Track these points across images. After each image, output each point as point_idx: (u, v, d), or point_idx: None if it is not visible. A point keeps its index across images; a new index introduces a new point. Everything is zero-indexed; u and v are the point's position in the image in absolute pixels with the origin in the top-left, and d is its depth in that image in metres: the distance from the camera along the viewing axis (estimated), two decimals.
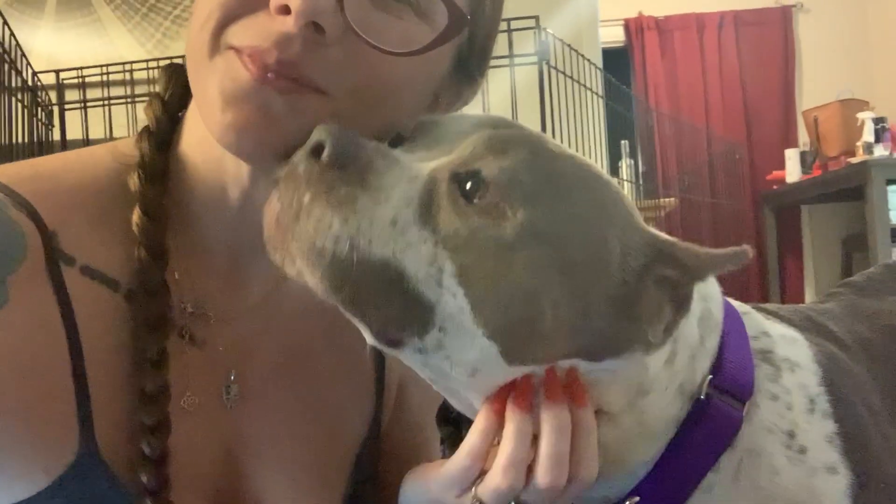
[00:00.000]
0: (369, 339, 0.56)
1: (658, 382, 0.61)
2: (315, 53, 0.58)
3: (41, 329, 0.61)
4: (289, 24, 0.57)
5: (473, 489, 0.58)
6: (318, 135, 0.56)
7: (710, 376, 0.62)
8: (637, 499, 0.62)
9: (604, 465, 0.61)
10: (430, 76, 0.67)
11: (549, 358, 0.56)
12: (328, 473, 0.77)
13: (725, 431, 0.62)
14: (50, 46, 2.96)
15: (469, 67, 0.72)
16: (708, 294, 0.65)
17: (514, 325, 0.54)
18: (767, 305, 0.73)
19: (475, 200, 0.54)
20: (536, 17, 1.94)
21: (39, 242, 0.62)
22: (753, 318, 0.69)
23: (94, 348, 0.63)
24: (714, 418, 0.62)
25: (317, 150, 0.56)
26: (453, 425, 0.69)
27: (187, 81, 0.71)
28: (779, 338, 0.67)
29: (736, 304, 0.69)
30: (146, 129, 0.70)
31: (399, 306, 0.54)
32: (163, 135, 0.70)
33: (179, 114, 0.72)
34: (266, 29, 0.58)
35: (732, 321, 0.66)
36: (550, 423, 0.56)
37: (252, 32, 0.59)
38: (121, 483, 0.63)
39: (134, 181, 0.67)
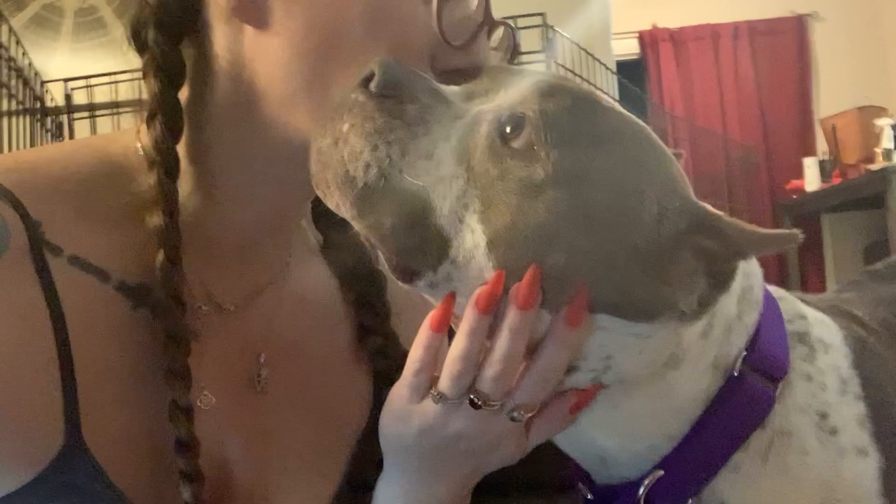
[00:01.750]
0: (387, 268, 0.57)
1: (690, 354, 0.59)
2: None
3: (25, 320, 0.60)
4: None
5: (433, 390, 0.58)
6: (372, 66, 0.57)
7: (745, 353, 0.61)
8: (661, 473, 0.61)
9: (627, 438, 0.60)
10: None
11: (563, 304, 0.54)
12: (327, 460, 0.77)
13: (758, 410, 0.60)
14: (65, 67, 2.99)
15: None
16: (750, 271, 0.64)
17: (523, 264, 0.53)
18: (793, 293, 0.72)
19: (512, 142, 0.54)
20: (543, 15, 1.92)
21: (23, 232, 0.61)
22: (790, 302, 0.68)
23: (82, 339, 0.62)
24: (747, 396, 0.60)
25: (367, 82, 0.57)
26: None
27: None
28: (813, 320, 0.66)
29: (772, 288, 0.68)
30: (158, 122, 0.67)
31: (419, 238, 0.55)
32: (175, 128, 0.68)
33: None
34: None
35: (769, 302, 0.65)
36: (507, 322, 0.54)
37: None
38: (106, 475, 0.62)
39: (149, 180, 0.66)
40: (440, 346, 0.58)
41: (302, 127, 0.65)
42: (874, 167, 4.24)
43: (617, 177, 0.54)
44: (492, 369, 0.55)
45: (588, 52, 2.14)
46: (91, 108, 2.13)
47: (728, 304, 0.60)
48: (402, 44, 0.65)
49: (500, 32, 0.72)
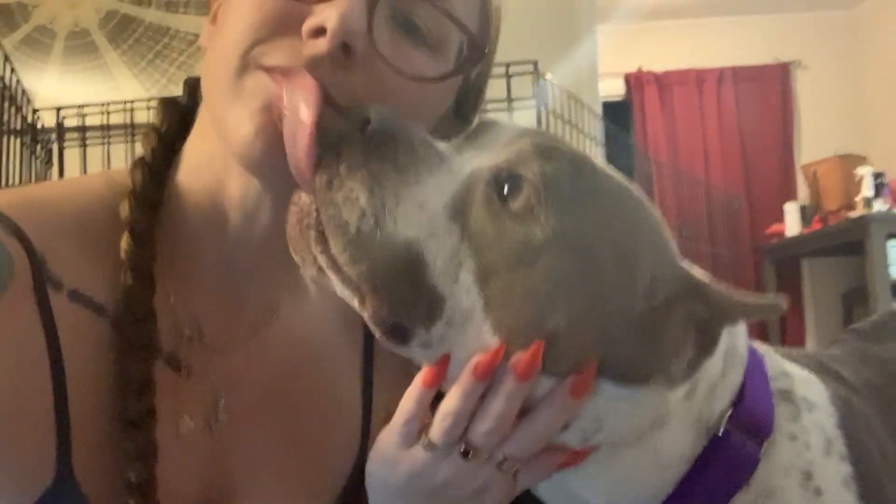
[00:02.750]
0: (377, 331, 0.56)
1: (675, 415, 0.59)
2: (341, 76, 0.61)
3: (24, 353, 0.60)
4: (321, 45, 0.59)
5: (423, 435, 0.58)
6: (366, 111, 0.57)
7: (730, 412, 0.61)
8: None
9: (611, 494, 0.60)
10: (435, 111, 0.69)
11: (560, 368, 0.54)
12: (313, 503, 0.76)
13: (742, 470, 0.60)
14: (56, 90, 2.99)
15: (465, 108, 0.74)
16: (734, 329, 0.64)
17: (521, 329, 0.53)
18: (777, 349, 0.72)
19: (510, 202, 0.54)
20: (535, 63, 1.96)
21: (27, 266, 0.62)
22: (774, 359, 0.68)
23: (76, 374, 0.62)
24: (731, 455, 0.60)
25: (363, 127, 0.57)
26: None
27: (183, 115, 0.72)
28: (797, 378, 0.66)
29: (755, 344, 0.68)
30: (141, 158, 0.71)
31: (412, 293, 0.54)
32: (158, 165, 0.71)
33: (176, 146, 0.73)
34: (297, 51, 0.61)
35: (753, 359, 0.65)
36: (504, 387, 0.54)
37: (282, 53, 0.61)
38: None
39: (124, 208, 0.68)
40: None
41: (226, 129, 0.64)
42: (854, 214, 4.29)
43: (614, 244, 0.55)
44: (485, 425, 0.56)
45: (576, 98, 2.17)
46: (83, 136, 2.13)
47: (713, 363, 0.60)
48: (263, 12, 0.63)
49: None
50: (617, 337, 0.54)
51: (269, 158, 0.61)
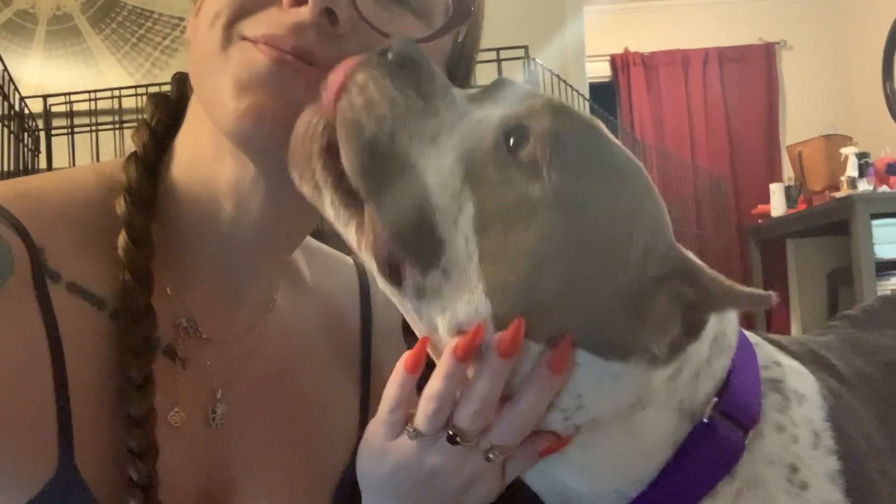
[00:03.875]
0: (374, 261, 0.56)
1: (657, 397, 0.59)
2: (328, 44, 0.61)
3: (25, 346, 0.60)
4: (303, 13, 0.59)
5: (409, 426, 0.58)
6: (390, 41, 0.57)
7: (716, 399, 0.61)
8: None
9: (594, 480, 0.60)
10: None
11: (545, 335, 0.54)
12: (311, 495, 0.77)
13: (726, 458, 0.60)
14: (38, 75, 2.96)
15: (457, 78, 0.73)
16: (725, 316, 0.64)
17: (513, 287, 0.53)
18: (770, 336, 0.72)
19: (516, 152, 0.54)
20: (526, 48, 1.96)
21: (27, 258, 0.62)
22: (765, 349, 0.67)
23: (77, 366, 0.62)
24: (716, 443, 0.60)
25: (384, 53, 0.57)
26: None
27: (174, 109, 0.72)
28: (788, 369, 0.66)
29: (748, 334, 0.68)
30: (134, 154, 0.71)
31: (414, 222, 0.54)
32: (150, 160, 0.71)
33: (167, 141, 0.73)
34: (280, 20, 0.61)
35: (744, 348, 0.64)
36: (488, 365, 0.54)
37: (265, 24, 0.61)
38: (97, 502, 0.62)
39: (120, 205, 0.68)
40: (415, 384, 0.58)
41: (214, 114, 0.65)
42: (839, 194, 4.31)
43: (612, 211, 0.55)
44: (470, 406, 0.55)
45: (563, 80, 2.17)
46: (70, 124, 2.11)
47: (699, 348, 0.60)
48: None
49: None
50: (603, 305, 0.54)
51: (260, 133, 0.61)
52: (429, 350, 0.58)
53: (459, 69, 0.73)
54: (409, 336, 0.81)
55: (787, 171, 5.35)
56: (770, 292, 0.53)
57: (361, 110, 0.55)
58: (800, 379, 0.66)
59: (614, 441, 0.59)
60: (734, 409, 0.61)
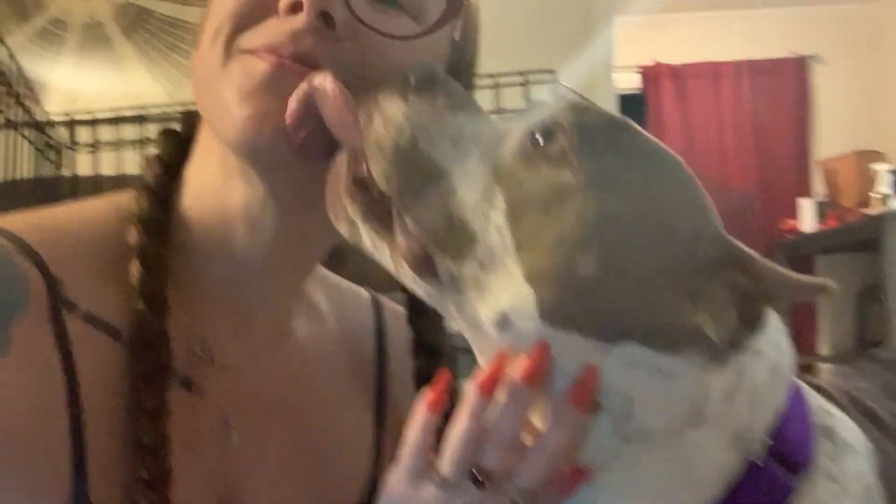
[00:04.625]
0: (411, 261, 0.56)
1: (712, 415, 0.55)
2: (327, 47, 0.62)
3: (40, 378, 0.60)
4: (300, 19, 0.61)
5: (433, 473, 0.56)
6: (408, 70, 0.59)
7: (771, 442, 0.58)
8: None
9: None
10: None
11: (596, 325, 0.52)
12: None
13: (776, 502, 0.57)
14: (69, 83, 2.99)
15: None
16: (784, 351, 0.61)
17: (553, 270, 0.51)
18: (812, 380, 0.69)
19: (544, 148, 0.54)
20: (553, 72, 1.95)
21: (44, 289, 0.62)
22: (813, 394, 0.65)
23: (92, 398, 0.63)
24: (768, 485, 0.57)
25: (403, 80, 0.59)
26: None
27: (184, 142, 0.73)
28: (839, 418, 0.64)
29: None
30: (145, 185, 0.72)
31: (445, 221, 0.55)
32: (162, 191, 0.71)
33: (179, 173, 0.73)
34: (277, 29, 0.62)
35: (797, 390, 0.62)
36: (512, 401, 0.52)
37: (264, 34, 0.62)
38: None
39: (133, 234, 0.68)
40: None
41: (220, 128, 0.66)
42: (870, 211, 4.26)
43: (651, 192, 0.54)
44: (498, 447, 0.54)
45: (592, 103, 2.15)
46: (94, 145, 2.14)
47: (757, 368, 0.57)
48: None
49: None
50: (653, 289, 0.52)
51: (264, 142, 0.61)
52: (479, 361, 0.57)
53: (460, 76, 0.72)
54: (418, 356, 0.80)
55: (818, 187, 5.29)
56: (829, 281, 0.52)
57: (386, 130, 0.57)
58: (850, 430, 0.63)
59: (663, 463, 0.56)
60: (788, 451, 0.58)
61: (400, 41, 0.65)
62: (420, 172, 0.56)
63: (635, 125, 0.58)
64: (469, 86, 0.76)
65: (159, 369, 0.65)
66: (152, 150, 0.75)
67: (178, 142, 0.74)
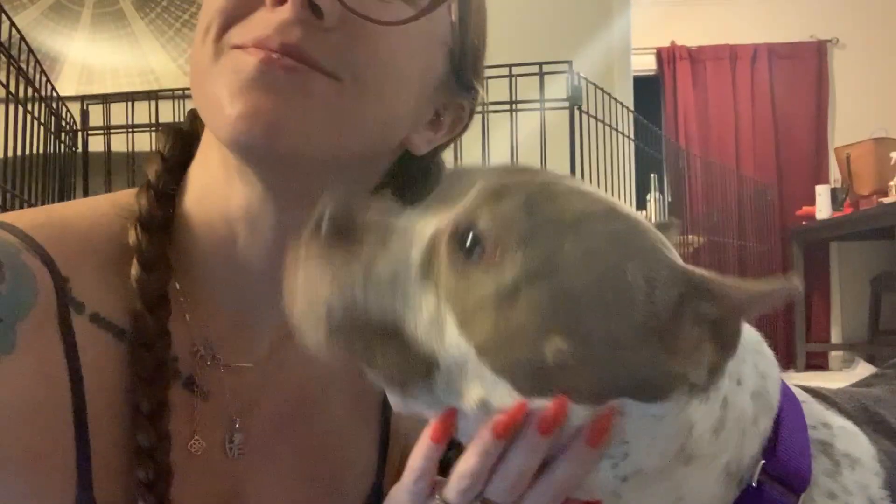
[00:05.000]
0: (383, 387, 0.56)
1: (702, 451, 0.56)
2: (316, 37, 0.60)
3: (46, 377, 0.60)
4: (286, 10, 0.59)
5: (437, 494, 0.56)
6: (321, 207, 0.57)
7: (763, 461, 0.58)
8: None
9: None
10: (427, 69, 0.68)
11: (580, 396, 0.52)
12: None
13: None
14: (83, 57, 2.98)
15: (464, 76, 0.72)
16: (766, 373, 0.61)
17: (520, 363, 0.52)
18: (821, 389, 0.69)
19: (474, 255, 0.53)
20: (570, 63, 1.92)
21: (52, 288, 0.62)
22: (813, 407, 0.64)
23: (96, 398, 0.62)
24: None
25: (319, 225, 0.57)
26: None
27: (188, 140, 0.72)
28: (839, 430, 0.63)
29: (795, 389, 0.65)
30: (146, 183, 0.70)
31: (404, 358, 0.54)
32: (164, 189, 0.70)
33: (181, 172, 0.72)
34: (265, 21, 0.60)
35: (791, 406, 0.61)
36: (526, 443, 0.52)
37: (252, 28, 0.61)
38: None
39: (132, 234, 0.67)
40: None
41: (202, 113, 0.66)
42: (887, 200, 4.22)
43: (592, 257, 0.53)
44: (505, 482, 0.54)
45: (607, 93, 2.12)
46: (107, 127, 2.13)
47: (742, 399, 0.58)
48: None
49: None
50: (627, 351, 0.52)
51: (257, 137, 0.60)
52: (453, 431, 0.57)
53: (466, 65, 0.72)
54: None
55: (834, 173, 5.25)
56: (793, 279, 0.50)
57: (312, 303, 0.56)
58: (853, 441, 0.62)
59: (656, 500, 0.57)
60: (784, 472, 0.58)
61: (394, 28, 0.62)
62: (368, 331, 0.55)
63: (553, 185, 0.57)
64: (477, 74, 0.74)
65: (158, 368, 0.65)
66: (157, 146, 0.74)
67: (181, 139, 0.73)
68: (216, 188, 0.68)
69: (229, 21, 0.62)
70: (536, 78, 1.86)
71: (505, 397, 0.53)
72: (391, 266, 0.55)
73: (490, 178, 0.58)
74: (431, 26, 0.66)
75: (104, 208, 0.70)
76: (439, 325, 0.53)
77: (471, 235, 0.54)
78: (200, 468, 0.69)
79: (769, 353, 0.63)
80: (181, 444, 0.67)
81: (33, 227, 0.64)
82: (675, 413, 0.54)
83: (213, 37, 0.62)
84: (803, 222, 5.11)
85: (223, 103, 0.60)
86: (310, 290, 0.56)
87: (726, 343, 0.53)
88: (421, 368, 0.54)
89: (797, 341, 5.11)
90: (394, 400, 0.57)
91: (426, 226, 0.58)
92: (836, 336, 5.39)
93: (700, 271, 0.54)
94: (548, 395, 0.52)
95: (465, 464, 0.54)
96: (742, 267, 5.02)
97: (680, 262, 0.55)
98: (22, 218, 0.65)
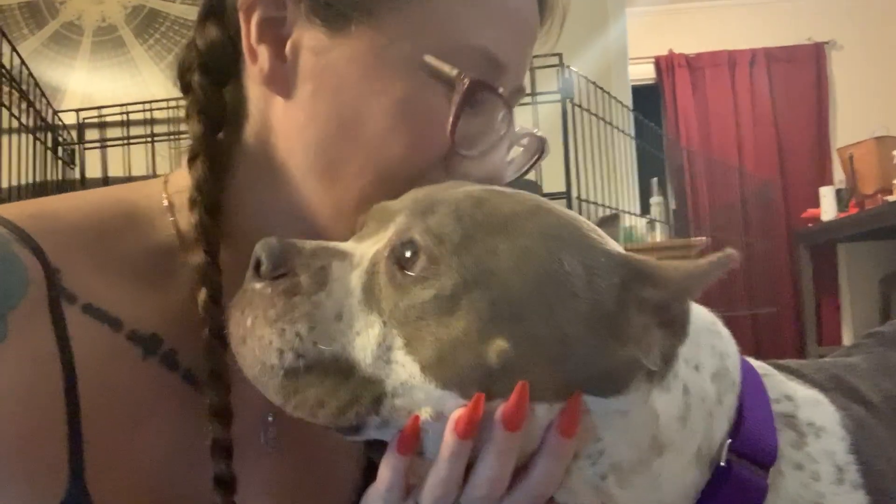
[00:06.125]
0: (335, 430, 0.55)
1: (673, 440, 0.56)
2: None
3: (38, 367, 0.60)
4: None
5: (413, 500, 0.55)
6: (255, 251, 0.57)
7: (730, 440, 0.58)
8: None
9: None
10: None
11: (539, 391, 0.51)
12: None
13: (750, 501, 0.57)
14: (84, 86, 3.01)
15: None
16: (724, 352, 0.61)
17: (465, 371, 0.51)
18: (790, 362, 0.69)
19: (411, 269, 0.54)
20: (560, 55, 1.93)
21: (42, 278, 0.62)
22: (774, 380, 0.64)
23: (90, 389, 0.62)
24: (738, 487, 0.57)
25: (257, 268, 0.57)
26: None
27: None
28: (802, 401, 0.63)
29: (756, 363, 0.65)
30: (192, 198, 0.68)
31: (349, 394, 0.53)
32: (212, 202, 0.69)
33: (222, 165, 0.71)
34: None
35: (752, 381, 0.62)
36: (495, 444, 0.51)
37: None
38: None
39: (196, 257, 0.66)
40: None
41: (312, 206, 0.67)
42: (892, 198, 4.21)
43: (526, 254, 0.53)
44: (480, 490, 0.52)
45: (599, 87, 2.13)
46: (103, 139, 2.14)
47: (702, 383, 0.58)
48: (420, 143, 0.64)
49: (525, 140, 0.76)
50: (576, 344, 0.52)
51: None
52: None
53: None
54: None
55: (838, 174, 5.24)
56: (730, 250, 0.51)
57: (260, 355, 0.55)
58: (817, 410, 0.63)
59: (638, 492, 0.57)
60: (751, 448, 0.58)
61: None
62: (317, 377, 0.54)
63: (478, 192, 0.57)
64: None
65: (227, 405, 0.65)
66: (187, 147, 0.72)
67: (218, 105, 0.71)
68: (265, 218, 0.68)
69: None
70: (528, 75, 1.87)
71: (456, 408, 0.52)
72: (335, 301, 0.56)
73: (417, 196, 0.59)
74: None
75: (100, 200, 0.70)
76: (385, 348, 0.53)
77: (408, 251, 0.54)
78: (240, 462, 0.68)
79: (725, 332, 0.64)
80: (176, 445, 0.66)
81: (24, 219, 0.64)
82: (639, 405, 0.54)
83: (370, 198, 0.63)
84: (809, 225, 5.09)
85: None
86: (254, 344, 0.56)
87: (675, 326, 0.53)
88: (368, 399, 0.53)
89: (808, 344, 5.08)
90: (350, 438, 0.56)
91: (364, 252, 0.58)
92: (847, 338, 5.35)
93: (637, 256, 0.54)
94: (501, 397, 0.51)
95: (436, 472, 0.53)
96: (750, 263, 5.01)
97: (617, 248, 0.55)
98: (13, 210, 0.66)
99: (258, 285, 0.57)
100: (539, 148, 0.76)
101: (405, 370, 0.52)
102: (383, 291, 0.55)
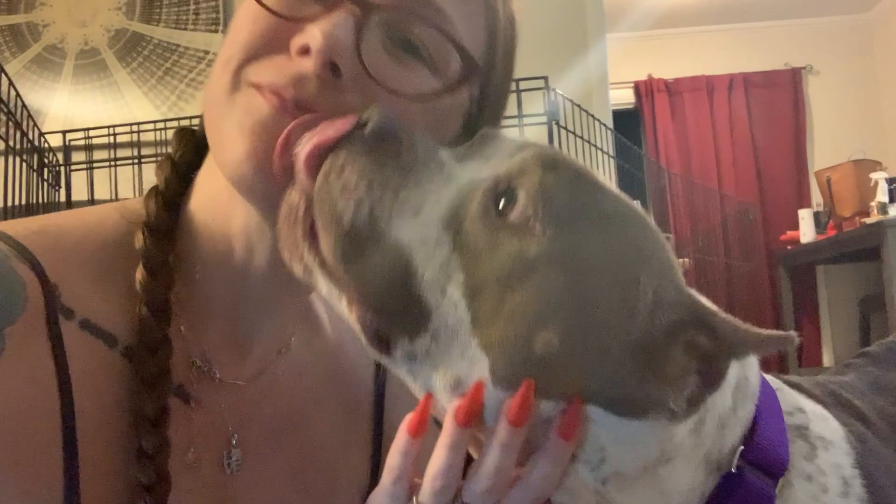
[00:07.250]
0: (362, 336, 0.54)
1: (681, 450, 0.56)
2: (330, 96, 0.60)
3: (34, 383, 0.60)
4: (307, 64, 0.59)
5: (414, 498, 0.54)
6: (368, 112, 0.56)
7: (742, 448, 0.58)
8: None
9: None
10: (442, 132, 0.67)
11: (553, 393, 0.51)
12: None
13: None
14: (66, 109, 3.00)
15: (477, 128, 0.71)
16: (746, 360, 0.61)
17: (510, 342, 0.50)
18: (791, 378, 0.69)
19: (507, 214, 0.52)
20: (545, 78, 1.95)
21: (40, 294, 0.62)
22: (787, 393, 0.64)
23: (85, 405, 0.62)
24: (747, 494, 0.57)
25: (362, 126, 0.55)
26: None
27: (198, 144, 0.72)
28: (813, 414, 0.63)
29: (769, 379, 0.65)
30: (155, 188, 0.71)
31: (398, 300, 0.52)
32: (172, 195, 0.70)
33: (191, 175, 0.72)
34: (284, 68, 0.60)
35: (767, 393, 0.61)
36: (498, 437, 0.50)
37: (271, 70, 0.61)
38: None
39: (139, 238, 0.67)
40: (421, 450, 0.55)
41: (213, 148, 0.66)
42: (869, 220, 4.25)
43: (614, 261, 0.52)
44: (481, 483, 0.52)
45: (584, 110, 2.15)
46: (90, 160, 2.14)
47: (722, 396, 0.57)
48: (248, 24, 0.63)
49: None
50: (613, 362, 0.51)
51: (259, 180, 0.60)
52: (432, 412, 0.55)
53: (481, 118, 0.71)
54: None
55: (816, 197, 5.30)
56: (792, 333, 0.50)
57: (338, 195, 0.53)
58: (825, 424, 0.63)
59: (641, 496, 0.56)
60: (762, 458, 0.58)
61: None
62: (376, 249, 0.52)
63: (598, 180, 0.55)
64: (494, 118, 0.73)
65: (161, 375, 0.65)
66: (167, 150, 0.74)
67: (192, 143, 0.73)
68: (221, 202, 0.68)
69: (250, 57, 0.62)
70: (514, 98, 1.89)
71: (478, 378, 0.51)
72: (421, 196, 0.54)
73: (544, 147, 0.56)
74: (451, 97, 0.66)
75: (101, 216, 0.71)
76: (445, 277, 0.52)
77: (511, 194, 0.52)
78: (194, 481, 0.68)
79: None
80: (177, 455, 0.66)
81: (26, 235, 0.64)
82: (653, 430, 0.53)
83: (232, 69, 0.62)
84: (788, 247, 5.14)
85: (231, 141, 0.61)
86: (339, 183, 0.54)
87: (712, 379, 0.52)
88: (411, 321, 0.52)
89: (789, 366, 5.11)
90: (373, 353, 0.55)
91: (466, 171, 0.56)
92: (827, 359, 5.39)
93: (705, 303, 0.53)
94: (518, 385, 0.50)
95: (436, 461, 0.52)
96: (731, 286, 5.04)
97: (686, 287, 0.54)
98: (16, 226, 0.66)
99: (359, 136, 0.55)
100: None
101: (455, 312, 0.51)
102: (468, 219, 0.53)
